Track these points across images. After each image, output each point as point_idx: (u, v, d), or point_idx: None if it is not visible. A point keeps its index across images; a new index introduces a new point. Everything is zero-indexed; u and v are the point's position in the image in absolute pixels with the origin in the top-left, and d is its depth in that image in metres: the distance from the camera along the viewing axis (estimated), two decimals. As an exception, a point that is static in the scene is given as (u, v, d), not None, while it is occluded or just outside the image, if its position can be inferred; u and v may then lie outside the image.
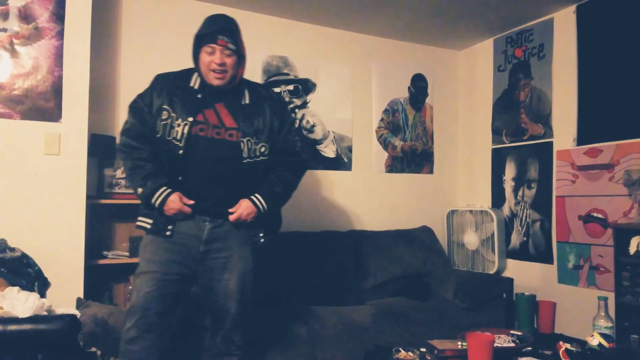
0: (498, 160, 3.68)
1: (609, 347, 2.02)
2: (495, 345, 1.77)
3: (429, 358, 1.91)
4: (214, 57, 1.88)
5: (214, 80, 1.91)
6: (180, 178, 1.92)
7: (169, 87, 1.96)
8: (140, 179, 1.91)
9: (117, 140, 2.86)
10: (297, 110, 3.44)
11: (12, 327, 1.94)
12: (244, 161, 1.94)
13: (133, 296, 1.93)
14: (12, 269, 2.29)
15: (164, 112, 1.92)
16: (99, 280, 2.76)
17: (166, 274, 1.92)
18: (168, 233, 1.93)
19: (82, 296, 2.52)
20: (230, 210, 1.94)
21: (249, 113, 1.98)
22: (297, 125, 3.42)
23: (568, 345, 1.98)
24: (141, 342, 1.89)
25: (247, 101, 1.99)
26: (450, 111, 4.06)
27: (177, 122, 1.90)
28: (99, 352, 2.16)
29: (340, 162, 3.59)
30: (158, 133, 1.92)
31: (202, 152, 1.91)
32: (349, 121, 3.63)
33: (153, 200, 1.89)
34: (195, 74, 1.98)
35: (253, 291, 2.06)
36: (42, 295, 2.38)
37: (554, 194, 3.21)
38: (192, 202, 1.90)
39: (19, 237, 2.40)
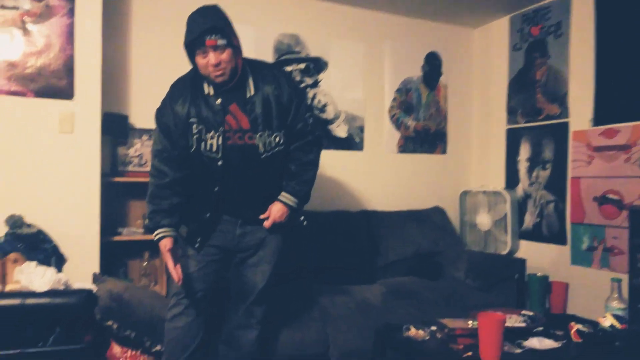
0: (512, 141, 3.63)
1: (621, 328, 2.01)
2: (506, 325, 1.77)
3: (439, 336, 1.92)
4: (208, 59, 1.82)
5: (217, 79, 1.87)
6: (216, 189, 1.94)
7: (190, 96, 1.91)
8: (150, 212, 1.95)
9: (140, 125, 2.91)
10: (308, 89, 3.42)
11: (30, 301, 2.00)
12: (262, 157, 1.94)
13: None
14: (29, 245, 2.33)
15: (194, 126, 1.89)
16: (114, 256, 2.80)
17: (206, 255, 2.00)
18: (197, 245, 1.99)
19: (98, 272, 2.56)
20: (262, 217, 1.99)
21: (256, 105, 1.93)
22: (308, 101, 3.40)
23: (580, 326, 1.98)
24: (185, 319, 1.99)
25: (252, 92, 1.93)
26: (464, 90, 4.00)
27: (209, 134, 1.89)
28: (115, 326, 2.21)
29: (352, 142, 3.57)
30: (192, 147, 1.91)
31: (234, 161, 1.92)
32: (361, 101, 3.60)
33: (153, 236, 1.93)
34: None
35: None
36: (59, 270, 2.42)
37: (569, 175, 3.17)
38: (180, 273, 1.90)
39: (35, 213, 2.44)
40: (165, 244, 1.90)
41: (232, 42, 1.84)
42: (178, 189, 1.95)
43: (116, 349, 2.31)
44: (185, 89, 1.93)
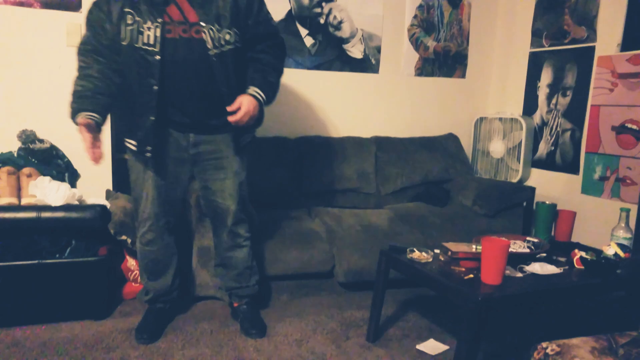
0: (535, 65, 3.49)
1: (624, 257, 2.03)
2: (509, 250, 1.79)
3: (442, 259, 1.96)
4: None
5: None
6: (155, 87, 1.80)
7: None
8: (71, 102, 1.79)
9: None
10: (323, 3, 3.27)
11: (46, 214, 2.06)
12: (210, 53, 1.80)
13: (141, 204, 2.01)
14: (42, 160, 2.37)
15: (129, 17, 1.75)
16: (127, 173, 2.84)
17: (164, 174, 1.99)
18: (148, 155, 1.90)
19: (110, 188, 2.62)
20: (229, 109, 1.83)
21: None
22: (324, 17, 3.26)
23: (583, 253, 1.99)
24: (159, 242, 2.07)
25: None
26: (489, 9, 3.78)
27: (145, 25, 1.75)
28: (129, 240, 2.29)
29: (368, 64, 3.46)
30: (124, 40, 1.77)
31: (176, 57, 1.79)
32: (380, 18, 3.44)
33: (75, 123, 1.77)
34: None
35: (258, 188, 2.13)
36: (73, 186, 2.48)
37: (589, 102, 3.07)
38: (98, 154, 1.76)
39: (47, 129, 2.46)
40: (83, 121, 1.72)
41: None
42: (106, 82, 1.81)
43: (130, 261, 2.42)
44: None
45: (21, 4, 2.40)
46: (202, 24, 1.79)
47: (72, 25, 2.47)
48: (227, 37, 1.83)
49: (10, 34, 2.39)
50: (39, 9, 2.42)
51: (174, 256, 2.15)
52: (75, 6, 2.47)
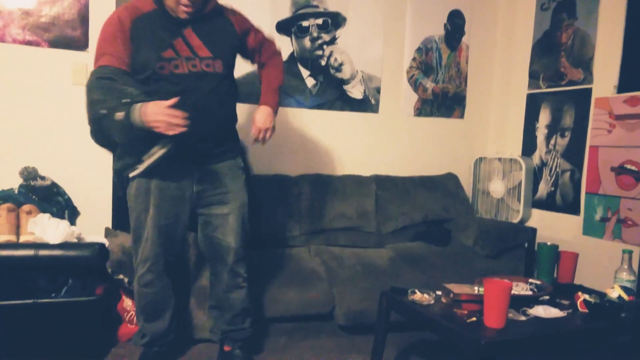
0: (532, 106, 3.54)
1: (628, 300, 2.00)
2: (512, 292, 1.77)
3: (444, 301, 1.93)
4: None
5: (183, 14, 1.85)
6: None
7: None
8: (107, 108, 1.72)
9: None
10: (325, 46, 3.34)
11: (44, 252, 2.04)
12: (218, 83, 1.94)
13: (141, 244, 2.00)
14: (43, 197, 2.36)
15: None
16: (127, 211, 2.83)
17: (166, 218, 1.98)
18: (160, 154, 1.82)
19: (110, 226, 2.60)
20: (255, 136, 2.01)
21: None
22: (325, 59, 3.35)
23: (587, 296, 1.97)
24: (158, 284, 2.04)
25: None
26: (487, 52, 3.87)
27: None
28: (126, 279, 2.26)
29: (367, 104, 3.51)
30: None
31: (185, 90, 1.85)
32: (379, 60, 3.51)
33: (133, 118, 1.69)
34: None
35: (261, 226, 2.13)
36: (72, 223, 2.47)
37: (588, 143, 3.09)
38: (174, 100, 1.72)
39: (49, 166, 2.47)
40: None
41: None
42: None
43: (127, 301, 2.38)
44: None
45: (29, 43, 2.45)
46: (212, 57, 1.90)
47: (78, 64, 2.52)
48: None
49: (17, 71, 2.43)
50: (47, 48, 2.47)
51: (171, 298, 2.10)
52: (82, 45, 2.52)
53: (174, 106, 1.69)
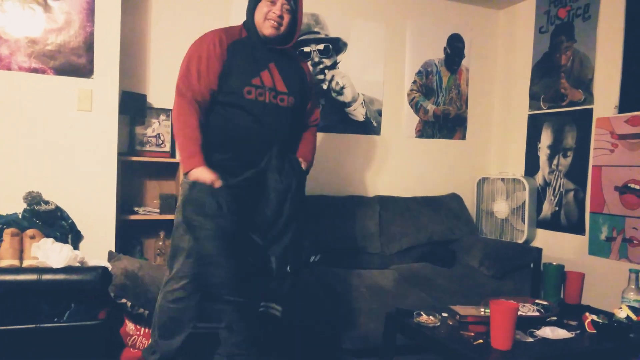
0: (534, 127, 3.55)
1: (636, 320, 1.97)
2: (519, 313, 1.75)
3: (450, 323, 1.91)
4: (274, 8, 1.95)
5: (269, 28, 1.97)
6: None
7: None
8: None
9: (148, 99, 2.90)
10: (326, 71, 3.38)
11: (47, 277, 2.03)
12: (288, 117, 2.07)
13: (180, 260, 1.99)
14: (46, 221, 2.37)
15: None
16: (130, 235, 2.84)
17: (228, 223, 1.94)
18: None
19: (113, 250, 2.60)
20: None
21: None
22: (327, 83, 3.40)
23: (594, 317, 1.95)
24: (187, 302, 2.01)
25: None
26: (487, 74, 3.91)
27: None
28: (128, 303, 2.25)
29: (369, 126, 3.53)
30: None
31: (267, 118, 2.00)
32: (380, 83, 3.55)
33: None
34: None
35: None
36: (75, 247, 2.46)
37: (591, 163, 3.10)
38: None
39: (53, 191, 2.48)
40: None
41: (297, 14, 2.04)
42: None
43: (129, 326, 2.36)
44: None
45: (36, 71, 2.49)
46: (287, 92, 2.05)
47: (84, 91, 2.55)
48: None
49: (23, 98, 2.47)
50: (52, 75, 2.51)
51: (193, 320, 2.05)
52: (87, 72, 2.56)
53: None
